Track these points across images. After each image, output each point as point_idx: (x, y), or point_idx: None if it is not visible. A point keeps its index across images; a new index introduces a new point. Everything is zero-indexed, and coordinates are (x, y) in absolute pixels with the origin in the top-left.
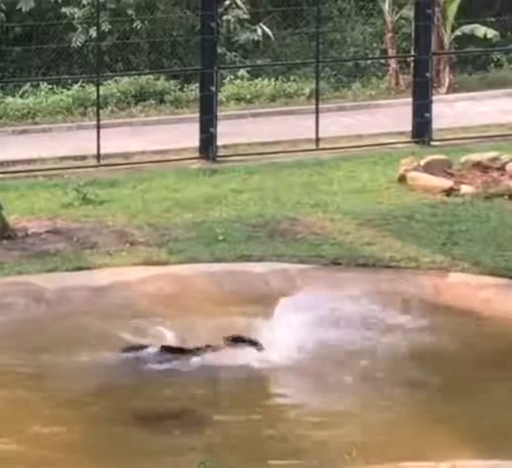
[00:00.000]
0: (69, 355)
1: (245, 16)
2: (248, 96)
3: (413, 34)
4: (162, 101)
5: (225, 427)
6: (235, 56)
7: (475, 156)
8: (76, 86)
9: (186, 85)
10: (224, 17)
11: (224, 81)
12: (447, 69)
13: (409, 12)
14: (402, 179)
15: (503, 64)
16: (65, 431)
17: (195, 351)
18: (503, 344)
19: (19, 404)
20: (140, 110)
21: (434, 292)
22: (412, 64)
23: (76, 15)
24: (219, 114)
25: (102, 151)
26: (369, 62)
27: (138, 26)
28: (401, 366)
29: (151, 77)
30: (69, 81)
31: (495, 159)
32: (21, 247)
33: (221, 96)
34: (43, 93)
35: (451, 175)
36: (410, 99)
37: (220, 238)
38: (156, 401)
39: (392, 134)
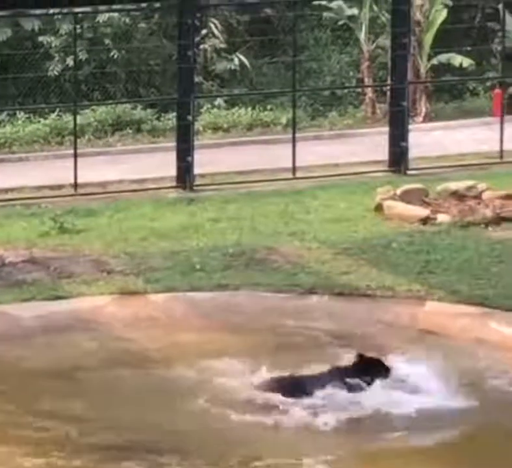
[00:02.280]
0: None
1: (222, 45)
2: (225, 125)
3: (389, 63)
4: (139, 130)
5: None
6: (212, 85)
7: (452, 185)
8: (53, 115)
9: (163, 114)
10: (201, 47)
11: (201, 110)
12: (423, 98)
13: (385, 41)
14: (379, 207)
15: (479, 93)
16: None
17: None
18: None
19: None
20: (117, 139)
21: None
22: (388, 93)
23: (53, 44)
24: (196, 143)
25: (79, 180)
26: (345, 91)
27: (115, 56)
28: None
29: (128, 106)
30: (46, 110)
31: (471, 188)
32: None
33: (198, 125)
34: (20, 122)
35: (427, 204)
36: (386, 128)
37: (197, 267)
38: None
39: (368, 163)
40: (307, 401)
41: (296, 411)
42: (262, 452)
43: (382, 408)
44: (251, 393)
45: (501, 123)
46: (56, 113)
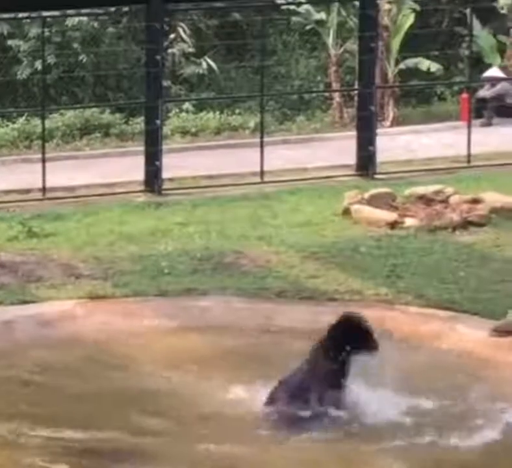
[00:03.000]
0: None
1: (190, 50)
2: (193, 129)
3: (357, 68)
4: (107, 134)
5: None
6: (180, 89)
7: (419, 190)
8: (21, 119)
9: (131, 118)
10: (169, 51)
11: (169, 114)
12: (391, 102)
13: (353, 45)
14: (346, 212)
15: (447, 98)
16: None
17: None
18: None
19: None
20: (86, 144)
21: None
22: (356, 98)
23: (21, 48)
24: (164, 147)
25: (47, 185)
26: (313, 95)
27: (84, 60)
28: None
29: (97, 110)
30: (14, 114)
31: (439, 192)
32: None
33: (166, 129)
34: None
35: (395, 208)
36: (354, 133)
37: (165, 271)
38: None
39: (336, 168)
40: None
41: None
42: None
43: None
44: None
45: (469, 127)
46: (24, 117)
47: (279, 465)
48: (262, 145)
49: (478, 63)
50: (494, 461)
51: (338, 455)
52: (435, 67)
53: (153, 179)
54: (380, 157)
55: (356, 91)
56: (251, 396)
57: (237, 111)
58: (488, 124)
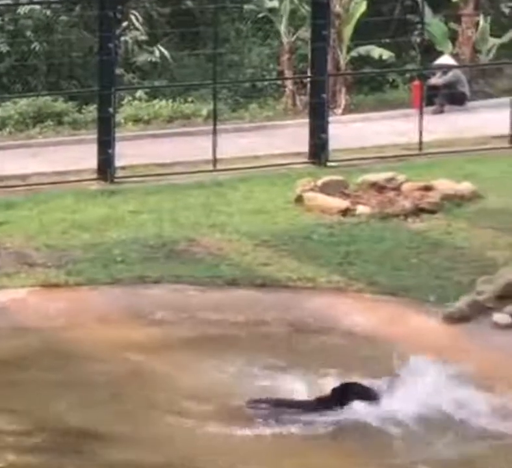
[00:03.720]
0: None
1: (143, 37)
2: (146, 117)
3: (309, 56)
4: (60, 123)
5: None
6: (133, 77)
7: (371, 177)
8: None
9: (84, 106)
10: (122, 39)
11: (122, 102)
12: (343, 90)
13: (305, 33)
14: (299, 199)
15: (399, 85)
16: None
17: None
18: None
19: None
20: (38, 132)
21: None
22: (308, 85)
23: None
24: (117, 135)
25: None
26: (266, 83)
27: (36, 48)
28: None
29: (50, 98)
30: None
31: (390, 179)
32: None
33: (119, 117)
34: None
35: (347, 195)
36: (306, 120)
37: (118, 259)
38: None
39: (289, 155)
40: None
41: None
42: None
43: None
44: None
45: (420, 114)
46: None
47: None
48: (214, 133)
49: (430, 50)
50: None
51: None
52: (386, 54)
53: (105, 167)
54: (332, 145)
55: (308, 79)
56: (203, 384)
57: (190, 99)
58: (440, 111)
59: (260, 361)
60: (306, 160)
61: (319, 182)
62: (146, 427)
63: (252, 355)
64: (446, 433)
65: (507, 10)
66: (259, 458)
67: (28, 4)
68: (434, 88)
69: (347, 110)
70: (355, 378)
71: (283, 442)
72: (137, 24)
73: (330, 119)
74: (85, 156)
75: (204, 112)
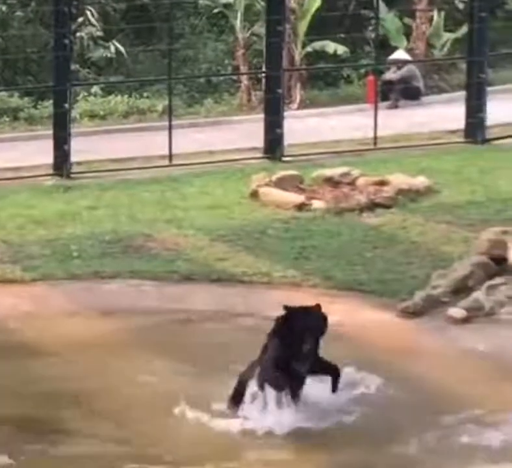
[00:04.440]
0: None
1: (99, 33)
2: (101, 113)
3: (264, 51)
4: (15, 118)
5: None
6: (88, 73)
7: (326, 172)
8: None
9: (40, 102)
10: (77, 34)
11: (77, 98)
12: (298, 85)
13: (260, 28)
14: (254, 194)
15: (353, 80)
16: None
17: None
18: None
19: None
20: None
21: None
22: (263, 80)
23: None
24: (73, 130)
25: None
26: (221, 78)
27: None
28: None
29: (5, 93)
30: None
31: (345, 174)
32: None
33: (74, 113)
34: None
35: (302, 190)
36: (262, 115)
37: (74, 254)
38: None
39: (244, 150)
40: None
41: None
42: None
43: None
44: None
45: (375, 109)
46: None
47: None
48: (170, 129)
49: (384, 46)
50: None
51: None
52: (341, 49)
53: (61, 163)
54: (287, 140)
55: (263, 74)
56: (159, 379)
57: (145, 94)
58: (395, 106)
59: (216, 357)
60: (261, 155)
61: (274, 178)
62: (108, 422)
63: (208, 351)
64: None
65: (461, 5)
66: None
67: None
68: (388, 83)
69: (303, 105)
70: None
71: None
72: (92, 20)
73: (285, 114)
74: (41, 152)
75: (159, 107)
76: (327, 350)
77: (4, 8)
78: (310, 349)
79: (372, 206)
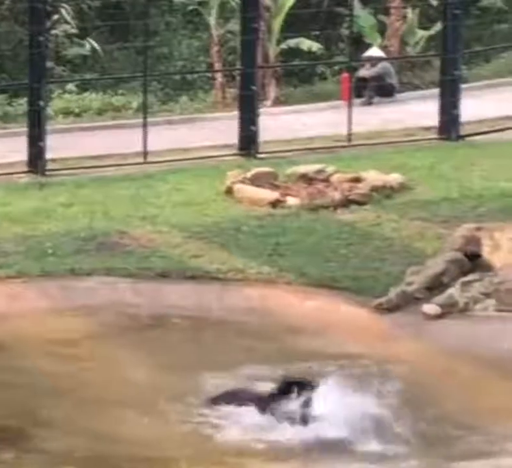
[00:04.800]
0: None
1: (74, 31)
2: (77, 110)
3: (239, 48)
4: None
5: None
6: (63, 70)
7: (301, 169)
8: None
9: (14, 99)
10: (52, 32)
11: (52, 95)
12: (273, 82)
13: (235, 25)
14: (229, 191)
15: (328, 77)
16: None
17: None
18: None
19: None
20: None
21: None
22: (238, 78)
23: None
24: (48, 128)
25: None
26: (196, 75)
27: None
28: None
29: None
30: None
31: (320, 171)
32: None
33: (49, 110)
34: None
35: (277, 187)
36: (236, 112)
37: (49, 251)
38: None
39: (218, 147)
40: None
41: None
42: None
43: None
44: None
45: (349, 106)
46: None
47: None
48: (145, 126)
49: (358, 43)
50: None
51: None
52: (315, 47)
53: (36, 160)
54: (262, 137)
55: (238, 72)
56: (138, 375)
57: (120, 91)
58: (369, 103)
59: (189, 354)
60: (236, 152)
61: (249, 174)
62: (81, 418)
63: (184, 347)
64: None
65: (434, 2)
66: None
67: None
68: (363, 80)
69: (277, 102)
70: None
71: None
72: (67, 17)
73: (260, 111)
74: (15, 149)
75: (134, 104)
76: (302, 346)
77: None
78: None
79: (346, 203)
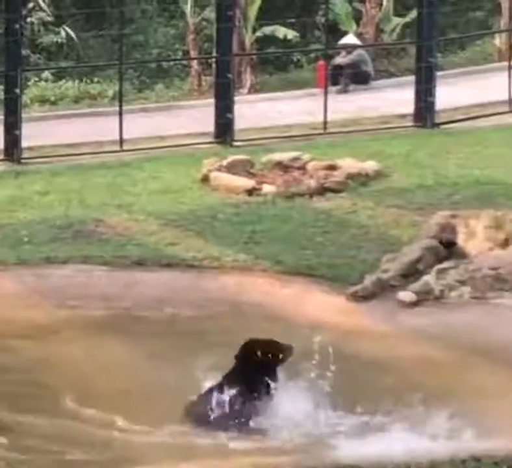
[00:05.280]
0: None
1: (49, 18)
2: (52, 98)
3: (215, 36)
4: None
5: None
6: (39, 58)
7: (277, 156)
8: None
9: None
10: (28, 20)
11: (28, 83)
12: (248, 70)
13: (210, 13)
14: (205, 179)
15: (303, 65)
16: None
17: None
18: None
19: None
20: None
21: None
22: (214, 65)
23: None
24: (23, 116)
25: None
26: (172, 63)
27: None
28: None
29: None
30: None
31: (296, 159)
32: None
33: (25, 98)
34: None
35: (253, 175)
36: (212, 100)
37: (25, 240)
38: None
39: (194, 135)
40: None
41: None
42: None
43: None
44: None
45: (325, 94)
46: None
47: None
48: (121, 114)
49: (334, 30)
50: None
51: None
52: (291, 34)
53: (12, 148)
54: (238, 124)
55: (214, 59)
56: (117, 366)
57: (96, 79)
58: (344, 91)
59: (164, 343)
60: (212, 140)
61: (225, 162)
62: (52, 415)
63: (157, 337)
64: None
65: None
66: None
67: None
68: (338, 67)
69: (253, 90)
70: None
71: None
72: (43, 5)
73: (235, 99)
74: None
75: (110, 92)
76: (278, 333)
77: None
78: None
79: (322, 190)
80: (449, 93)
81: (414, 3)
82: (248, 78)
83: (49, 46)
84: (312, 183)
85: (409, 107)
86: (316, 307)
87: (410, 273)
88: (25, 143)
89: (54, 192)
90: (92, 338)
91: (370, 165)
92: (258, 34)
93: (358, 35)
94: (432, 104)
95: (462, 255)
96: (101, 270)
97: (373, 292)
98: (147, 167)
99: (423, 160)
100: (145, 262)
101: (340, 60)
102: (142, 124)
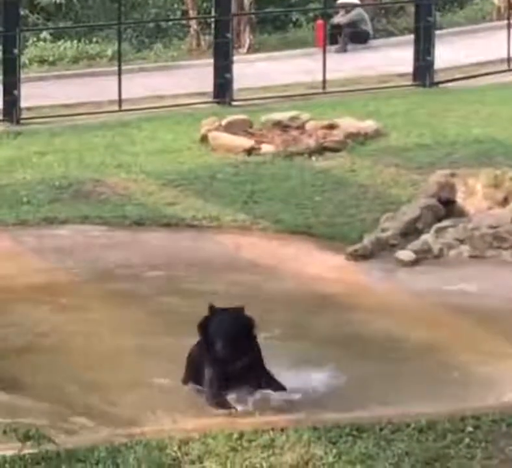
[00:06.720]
0: None
1: None
2: (51, 58)
3: None
4: None
5: None
6: (38, 18)
7: (275, 116)
8: None
9: None
10: None
11: (27, 43)
12: (247, 29)
13: None
14: (204, 139)
15: (302, 24)
16: None
17: None
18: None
19: None
20: None
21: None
22: (213, 25)
23: None
24: (22, 76)
25: None
26: (170, 23)
27: None
28: None
29: None
30: None
31: (295, 118)
32: None
33: (24, 58)
34: None
35: (252, 134)
36: (211, 60)
37: (24, 200)
38: None
39: (193, 95)
40: None
41: None
42: None
43: None
44: None
45: (324, 53)
46: None
47: None
48: (119, 74)
49: None
50: None
51: None
52: None
53: (11, 109)
54: (237, 84)
55: (213, 19)
56: (114, 330)
57: (94, 39)
58: (343, 50)
59: (166, 306)
60: (211, 99)
61: (224, 122)
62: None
63: (159, 300)
64: None
65: None
66: None
67: None
68: (337, 26)
69: (252, 49)
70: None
71: None
72: None
73: (234, 58)
74: None
75: (109, 52)
76: (277, 293)
77: None
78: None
79: (321, 150)
80: (448, 52)
81: None
82: (247, 38)
83: (48, 6)
84: (311, 142)
85: (408, 66)
86: (315, 265)
87: (409, 232)
88: (23, 103)
89: (53, 152)
90: (91, 298)
91: (369, 124)
92: None
93: None
94: (431, 63)
95: (461, 214)
96: (100, 230)
97: (372, 251)
98: (145, 127)
99: (422, 119)
100: (144, 222)
101: (338, 19)
102: (141, 84)
